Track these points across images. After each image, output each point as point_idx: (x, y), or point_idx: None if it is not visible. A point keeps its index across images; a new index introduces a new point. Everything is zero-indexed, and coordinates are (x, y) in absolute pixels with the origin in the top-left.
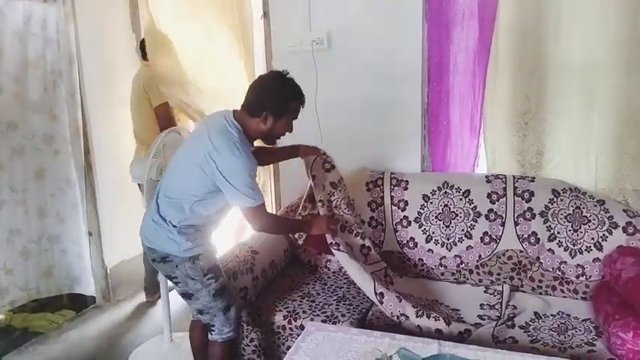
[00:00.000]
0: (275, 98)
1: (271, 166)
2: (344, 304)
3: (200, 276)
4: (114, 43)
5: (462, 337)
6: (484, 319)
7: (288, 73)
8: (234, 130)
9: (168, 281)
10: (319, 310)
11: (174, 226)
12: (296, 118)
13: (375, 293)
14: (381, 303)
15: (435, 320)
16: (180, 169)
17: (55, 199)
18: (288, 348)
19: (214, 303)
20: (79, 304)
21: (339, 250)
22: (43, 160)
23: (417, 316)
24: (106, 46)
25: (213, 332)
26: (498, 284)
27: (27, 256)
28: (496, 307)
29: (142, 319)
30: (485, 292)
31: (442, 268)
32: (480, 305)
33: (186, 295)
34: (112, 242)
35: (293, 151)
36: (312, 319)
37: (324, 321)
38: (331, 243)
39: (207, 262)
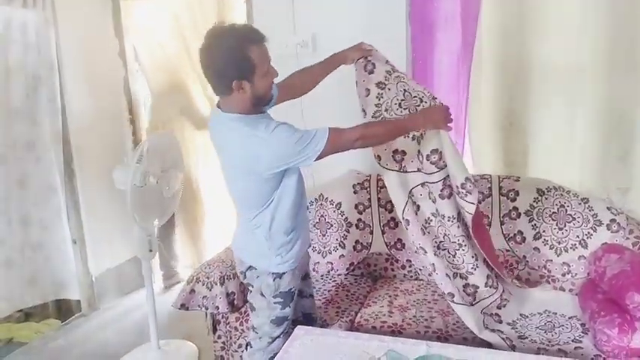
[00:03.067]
0: (229, 62)
1: None
2: (332, 307)
3: (270, 295)
4: (96, 48)
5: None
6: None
7: (223, 22)
8: (234, 121)
9: (154, 286)
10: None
11: (264, 236)
12: (269, 59)
13: (402, 218)
14: (407, 228)
15: (447, 265)
16: (234, 185)
17: (38, 206)
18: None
19: (268, 328)
20: (65, 311)
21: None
22: (25, 167)
23: (434, 254)
24: (88, 51)
25: (245, 351)
26: None
27: (11, 265)
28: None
29: (129, 327)
30: None
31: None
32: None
33: (250, 307)
34: (98, 250)
35: (337, 61)
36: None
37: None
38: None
39: (285, 285)
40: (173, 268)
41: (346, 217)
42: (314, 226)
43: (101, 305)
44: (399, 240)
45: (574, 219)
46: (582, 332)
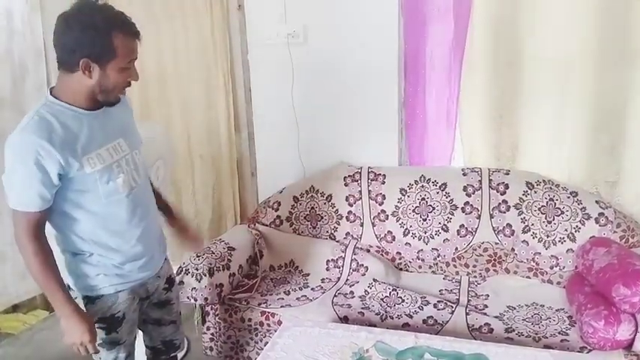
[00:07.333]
0: (87, 37)
1: (248, 159)
2: None
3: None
4: None
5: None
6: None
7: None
8: (32, 113)
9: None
10: (297, 306)
11: (67, 251)
12: (134, 57)
13: None
14: None
15: None
16: None
17: None
18: (266, 344)
19: (100, 349)
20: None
21: None
22: None
23: None
24: None
25: None
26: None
27: (3, 259)
28: (454, 291)
29: None
30: (443, 279)
31: (419, 261)
32: (439, 291)
33: None
34: None
35: (179, 225)
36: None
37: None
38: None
39: (102, 311)
40: None
41: (337, 210)
42: (305, 217)
43: None
44: (390, 232)
45: (563, 212)
46: (569, 324)
